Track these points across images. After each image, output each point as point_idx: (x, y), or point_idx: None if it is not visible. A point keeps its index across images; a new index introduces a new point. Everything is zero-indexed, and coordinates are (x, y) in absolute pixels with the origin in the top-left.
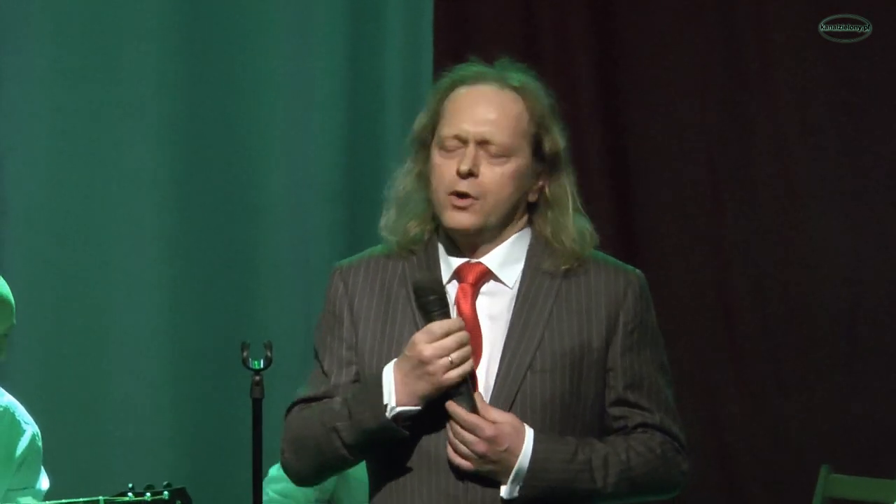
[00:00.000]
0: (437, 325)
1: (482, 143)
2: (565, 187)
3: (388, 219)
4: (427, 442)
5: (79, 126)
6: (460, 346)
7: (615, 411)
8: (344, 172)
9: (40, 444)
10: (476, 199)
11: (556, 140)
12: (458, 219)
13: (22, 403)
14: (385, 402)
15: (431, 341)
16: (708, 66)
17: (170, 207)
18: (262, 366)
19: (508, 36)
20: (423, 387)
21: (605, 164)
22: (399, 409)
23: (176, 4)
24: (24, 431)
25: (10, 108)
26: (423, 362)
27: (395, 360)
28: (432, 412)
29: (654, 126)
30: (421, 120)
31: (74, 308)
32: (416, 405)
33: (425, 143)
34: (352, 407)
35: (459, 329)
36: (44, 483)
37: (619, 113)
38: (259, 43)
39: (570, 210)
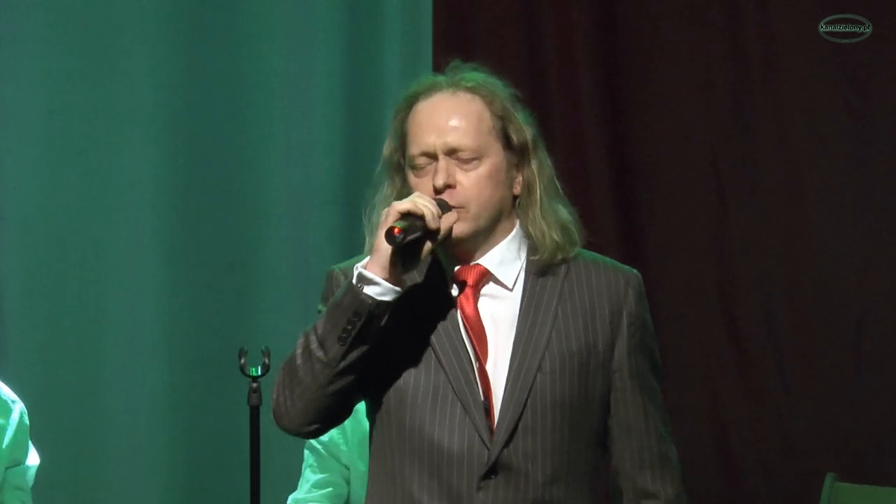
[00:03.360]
0: None
1: (451, 152)
2: (536, 175)
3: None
4: (436, 439)
5: (76, 128)
6: (417, 197)
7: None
8: (343, 176)
9: (27, 420)
10: (460, 208)
11: (522, 129)
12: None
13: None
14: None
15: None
16: (712, 69)
17: (167, 211)
18: (259, 373)
19: (508, 34)
20: (379, 236)
21: (608, 166)
22: (360, 269)
23: (174, 5)
24: (12, 409)
25: (6, 110)
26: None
27: None
28: (442, 408)
29: (658, 129)
30: (389, 145)
31: (71, 313)
32: (387, 274)
33: (399, 166)
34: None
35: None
36: (33, 459)
37: (622, 115)
38: (258, 44)
39: (544, 197)
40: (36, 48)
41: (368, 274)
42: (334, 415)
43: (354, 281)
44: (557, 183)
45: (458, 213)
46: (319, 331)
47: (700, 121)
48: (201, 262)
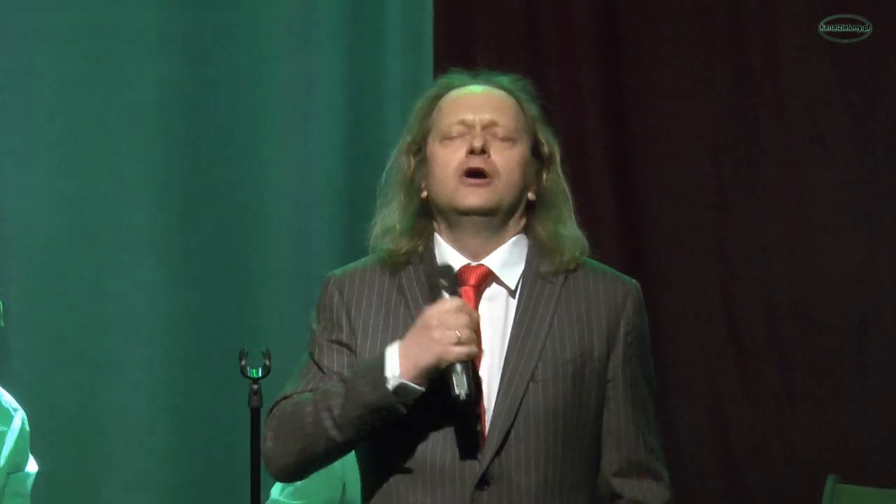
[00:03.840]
0: (450, 300)
1: (488, 126)
2: (564, 190)
3: (378, 231)
4: (429, 452)
5: (76, 129)
6: (469, 325)
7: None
8: (344, 176)
9: (28, 427)
10: (491, 177)
11: (551, 142)
12: (474, 197)
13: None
14: (387, 373)
15: (442, 312)
16: (713, 71)
17: (167, 211)
18: (260, 374)
19: (510, 33)
20: (427, 357)
21: (609, 169)
22: (403, 380)
23: (174, 7)
24: (13, 416)
25: (8, 112)
26: (429, 329)
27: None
28: (433, 420)
29: (658, 129)
30: (410, 129)
31: (71, 313)
32: (418, 381)
33: (419, 149)
34: (349, 382)
35: (470, 311)
36: (32, 466)
37: (622, 115)
38: (259, 45)
39: (555, 209)
40: (36, 50)
41: (413, 389)
42: (321, 463)
43: (391, 389)
44: (570, 202)
45: (487, 181)
46: (336, 413)
47: (700, 121)
48: (201, 262)
